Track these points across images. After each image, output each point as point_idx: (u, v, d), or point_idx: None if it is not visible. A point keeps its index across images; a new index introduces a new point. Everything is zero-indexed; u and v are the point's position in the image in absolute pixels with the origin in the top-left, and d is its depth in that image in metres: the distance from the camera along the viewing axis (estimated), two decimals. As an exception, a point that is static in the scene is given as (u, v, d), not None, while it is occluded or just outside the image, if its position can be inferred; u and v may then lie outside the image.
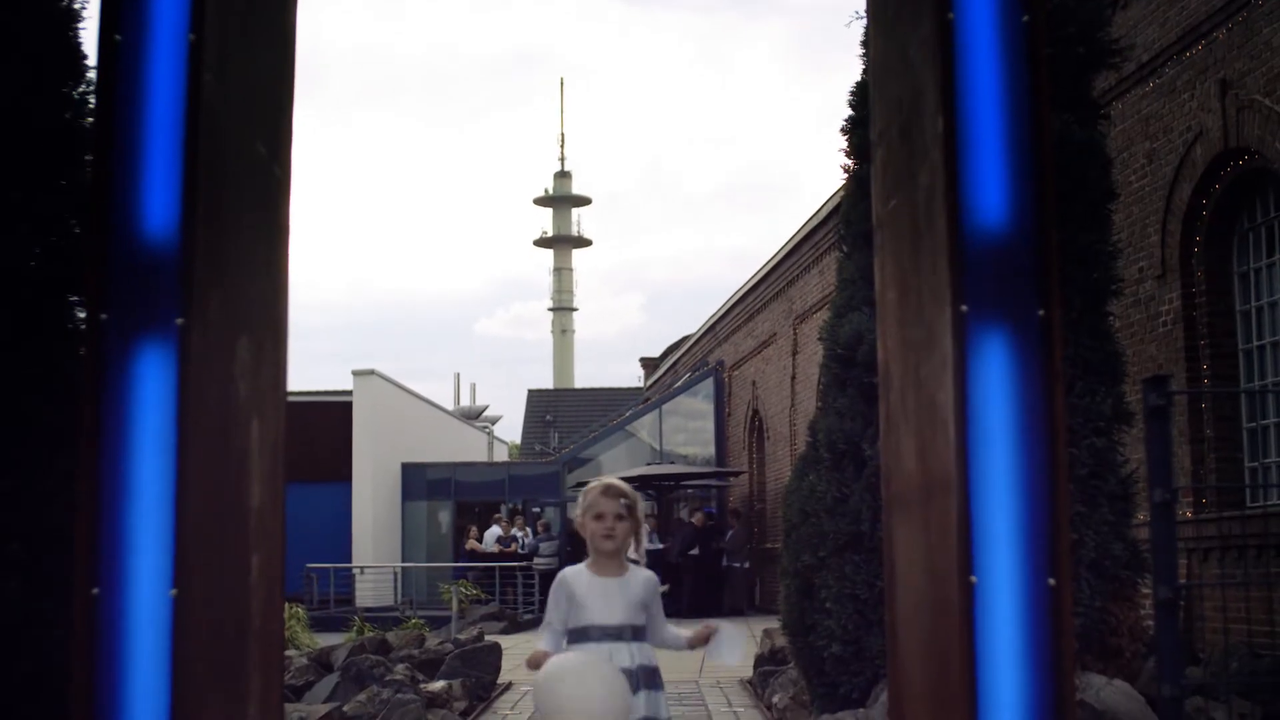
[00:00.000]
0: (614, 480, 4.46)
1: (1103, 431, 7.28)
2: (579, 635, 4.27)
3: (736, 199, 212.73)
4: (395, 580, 26.21)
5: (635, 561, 4.46)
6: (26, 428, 5.27)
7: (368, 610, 20.16)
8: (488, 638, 12.94)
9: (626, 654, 4.23)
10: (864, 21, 8.13)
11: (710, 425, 28.84)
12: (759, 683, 10.28)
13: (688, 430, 29.88)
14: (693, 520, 24.09)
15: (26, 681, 5.11)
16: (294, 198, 3.40)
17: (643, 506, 4.51)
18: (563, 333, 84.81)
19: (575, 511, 4.48)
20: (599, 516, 4.30)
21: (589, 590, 4.28)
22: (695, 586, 22.26)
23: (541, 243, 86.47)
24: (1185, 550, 9.52)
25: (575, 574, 4.36)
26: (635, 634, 4.29)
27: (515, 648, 14.22)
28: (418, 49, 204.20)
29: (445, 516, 29.68)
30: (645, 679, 4.29)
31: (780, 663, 10.26)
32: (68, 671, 2.57)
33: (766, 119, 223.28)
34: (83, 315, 5.29)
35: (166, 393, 2.63)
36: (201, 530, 2.69)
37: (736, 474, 26.50)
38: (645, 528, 22.81)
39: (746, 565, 23.95)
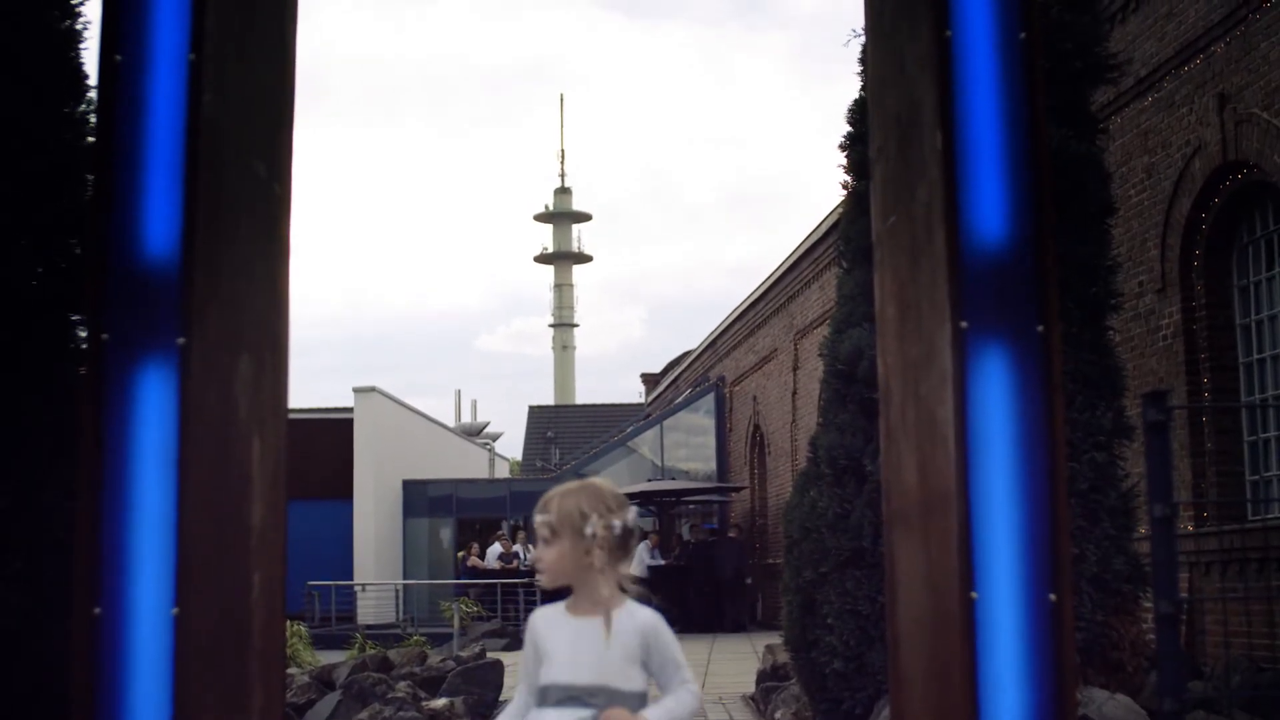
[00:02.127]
0: (558, 489, 3.14)
1: (1103, 446, 7.28)
2: (540, 697, 3.07)
3: (739, 210, 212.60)
4: (397, 597, 26.18)
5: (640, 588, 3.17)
6: (26, 433, 5.30)
7: (369, 628, 20.13)
8: (490, 655, 12.89)
9: None
10: (862, 40, 8.17)
11: (711, 441, 28.85)
12: (761, 698, 10.25)
13: (689, 446, 29.88)
14: (731, 534, 24.09)
15: (26, 694, 5.12)
16: (294, 212, 3.41)
17: (633, 517, 3.11)
18: (564, 348, 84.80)
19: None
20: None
21: (553, 634, 3.08)
22: (734, 601, 22.44)
23: (542, 259, 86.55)
24: (1186, 564, 9.51)
25: (545, 613, 3.16)
26: (610, 702, 2.96)
27: (517, 665, 14.15)
28: (419, 60, 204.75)
29: (447, 533, 29.64)
30: None
31: (783, 679, 10.24)
32: (69, 689, 2.57)
33: (769, 129, 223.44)
34: (84, 334, 5.32)
35: (167, 411, 2.64)
36: (203, 548, 2.69)
37: (738, 489, 26.49)
38: (645, 543, 22.56)
39: (748, 581, 23.94)
